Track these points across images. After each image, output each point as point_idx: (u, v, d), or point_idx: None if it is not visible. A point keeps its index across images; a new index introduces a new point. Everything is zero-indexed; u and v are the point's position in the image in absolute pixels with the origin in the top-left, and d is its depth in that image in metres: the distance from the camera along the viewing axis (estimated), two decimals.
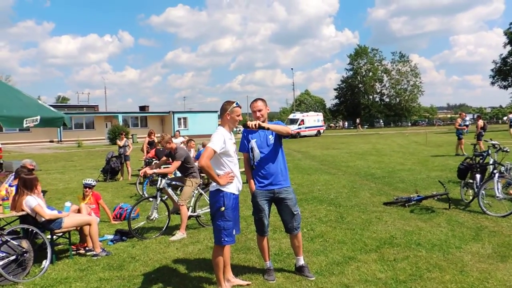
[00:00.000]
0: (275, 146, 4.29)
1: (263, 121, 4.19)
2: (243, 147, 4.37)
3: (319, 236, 5.78)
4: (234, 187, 3.96)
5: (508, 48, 47.73)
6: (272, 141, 4.28)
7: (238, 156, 4.22)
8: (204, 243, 5.75)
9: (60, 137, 41.70)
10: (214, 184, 3.93)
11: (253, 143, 4.28)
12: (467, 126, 22.33)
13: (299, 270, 4.44)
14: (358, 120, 62.51)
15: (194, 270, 4.71)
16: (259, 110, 4.24)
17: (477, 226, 6.06)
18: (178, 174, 9.12)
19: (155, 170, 6.56)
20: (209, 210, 6.67)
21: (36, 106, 7.83)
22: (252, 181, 4.33)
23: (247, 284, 4.22)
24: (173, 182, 6.60)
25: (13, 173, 6.39)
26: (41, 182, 6.63)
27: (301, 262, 4.47)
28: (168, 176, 6.73)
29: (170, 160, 6.63)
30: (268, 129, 4.08)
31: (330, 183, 10.64)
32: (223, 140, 3.86)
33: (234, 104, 3.99)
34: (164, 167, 6.85)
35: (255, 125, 3.98)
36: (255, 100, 4.33)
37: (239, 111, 4.04)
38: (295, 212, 4.31)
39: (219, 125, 4.10)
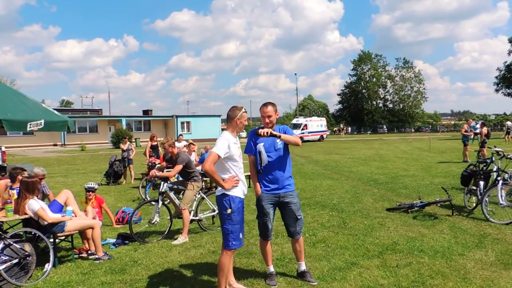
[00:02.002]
0: (283, 151, 4.29)
1: (272, 127, 4.22)
2: (249, 149, 4.35)
3: (321, 241, 5.77)
4: (239, 190, 3.98)
5: None
6: (280, 146, 4.27)
7: (243, 160, 4.23)
8: (206, 247, 5.75)
9: (64, 141, 41.87)
10: (219, 188, 3.95)
11: (260, 146, 4.27)
12: (476, 134, 22.29)
13: (301, 275, 4.43)
14: (341, 125, 62.58)
15: (196, 274, 4.71)
16: (269, 116, 4.24)
17: (480, 233, 6.03)
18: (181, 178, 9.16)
19: (156, 173, 6.59)
20: (211, 214, 6.75)
21: (40, 110, 7.85)
22: (258, 184, 4.33)
23: None
24: (175, 186, 6.61)
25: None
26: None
27: (303, 267, 4.46)
28: (170, 180, 6.74)
29: (171, 164, 6.64)
30: (279, 137, 4.11)
31: (333, 188, 10.62)
32: (228, 145, 3.88)
33: (243, 110, 4.05)
34: (166, 171, 6.86)
35: (266, 133, 4.01)
36: (266, 104, 4.31)
37: (246, 116, 4.11)
38: (299, 217, 4.31)
39: (223, 129, 4.12)
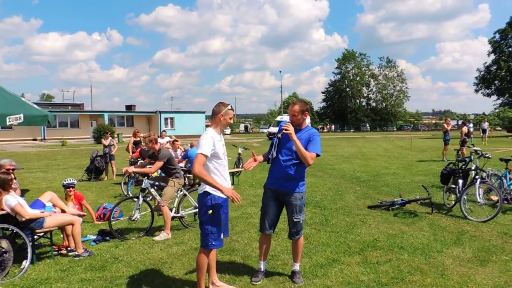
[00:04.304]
0: (296, 155, 4.16)
1: (297, 126, 4.21)
2: (274, 140, 4.31)
3: (303, 239, 5.79)
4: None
5: (492, 56, 48.92)
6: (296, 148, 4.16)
7: (228, 157, 4.19)
8: (189, 244, 5.72)
9: (44, 136, 41.05)
10: (201, 187, 3.86)
11: (277, 139, 4.22)
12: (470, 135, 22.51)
13: (291, 275, 4.42)
14: None
15: (177, 272, 4.68)
16: (293, 115, 4.22)
17: (458, 230, 6.16)
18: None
19: (135, 170, 6.47)
20: (193, 211, 6.71)
21: (19, 103, 7.69)
22: (257, 159, 4.21)
23: None
24: (157, 183, 6.54)
25: None
26: (23, 181, 6.52)
27: (294, 267, 4.44)
28: (152, 176, 6.66)
29: (154, 160, 6.55)
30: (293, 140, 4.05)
31: (316, 185, 10.69)
32: (212, 142, 3.78)
33: (229, 107, 3.97)
34: (149, 167, 6.78)
35: (290, 133, 4.00)
36: (294, 103, 4.31)
37: (231, 114, 4.00)
38: (295, 220, 4.25)
39: (207, 126, 4.07)
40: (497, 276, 4.38)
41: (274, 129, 37.54)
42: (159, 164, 6.26)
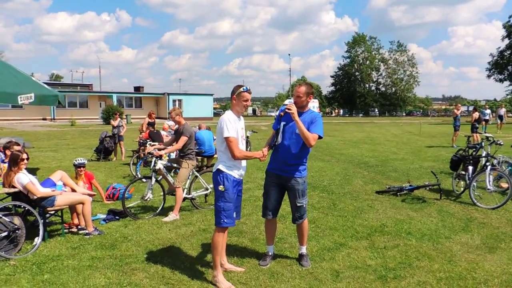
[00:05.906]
0: (300, 138, 4.09)
1: (301, 108, 4.18)
2: (275, 124, 4.32)
3: (311, 222, 5.82)
4: (235, 171, 3.93)
5: (506, 41, 47.90)
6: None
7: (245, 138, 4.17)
8: (197, 225, 5.78)
9: (53, 115, 41.32)
10: (215, 165, 3.95)
11: (281, 125, 4.21)
12: (486, 121, 22.24)
13: (299, 258, 4.46)
14: None
15: (186, 252, 4.74)
16: (298, 96, 4.19)
17: (467, 217, 6.14)
18: (172, 156, 9.11)
19: (166, 151, 6.47)
20: (204, 192, 6.79)
21: (30, 83, 7.71)
22: (262, 150, 4.12)
23: (240, 271, 4.18)
24: (169, 164, 6.58)
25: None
26: (33, 160, 6.59)
27: (301, 251, 4.48)
28: (163, 158, 6.70)
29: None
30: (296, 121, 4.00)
31: (324, 170, 10.69)
32: (229, 123, 3.82)
33: (241, 89, 3.91)
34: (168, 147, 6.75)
35: (292, 112, 3.96)
36: (300, 85, 4.29)
37: (247, 96, 3.92)
38: (298, 204, 4.25)
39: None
40: (506, 263, 4.38)
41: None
42: (185, 138, 6.29)
